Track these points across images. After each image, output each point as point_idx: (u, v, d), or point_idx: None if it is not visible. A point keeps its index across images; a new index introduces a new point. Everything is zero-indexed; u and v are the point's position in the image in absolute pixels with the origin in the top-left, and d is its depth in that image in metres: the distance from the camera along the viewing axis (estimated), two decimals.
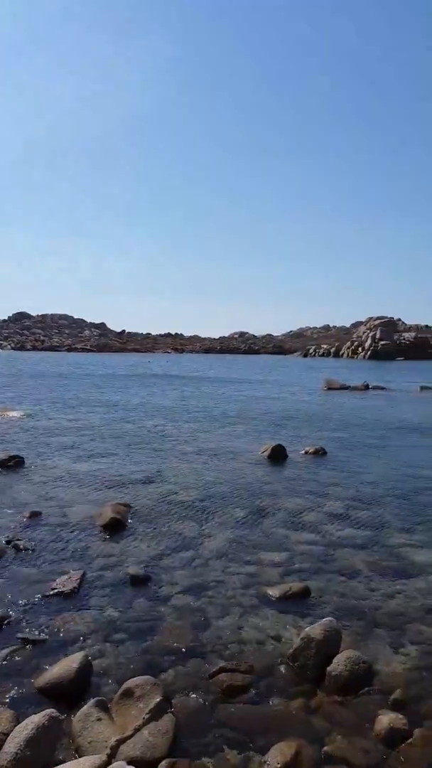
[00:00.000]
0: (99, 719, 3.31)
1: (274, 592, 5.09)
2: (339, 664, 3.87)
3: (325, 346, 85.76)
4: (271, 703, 3.64)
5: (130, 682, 3.55)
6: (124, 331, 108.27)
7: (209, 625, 4.51)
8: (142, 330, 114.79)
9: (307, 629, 4.14)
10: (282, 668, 3.99)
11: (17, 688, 3.68)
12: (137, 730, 3.24)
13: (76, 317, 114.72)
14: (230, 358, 73.03)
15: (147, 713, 3.32)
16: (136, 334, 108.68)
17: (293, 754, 3.09)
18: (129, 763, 2.94)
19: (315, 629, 4.09)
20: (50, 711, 3.22)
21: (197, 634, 4.37)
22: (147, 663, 3.98)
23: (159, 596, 4.99)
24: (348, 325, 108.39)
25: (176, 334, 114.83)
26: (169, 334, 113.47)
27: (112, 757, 3.05)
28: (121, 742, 3.16)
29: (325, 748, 3.21)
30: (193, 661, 4.03)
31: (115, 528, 6.64)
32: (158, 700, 3.42)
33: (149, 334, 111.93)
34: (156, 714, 3.34)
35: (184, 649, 4.16)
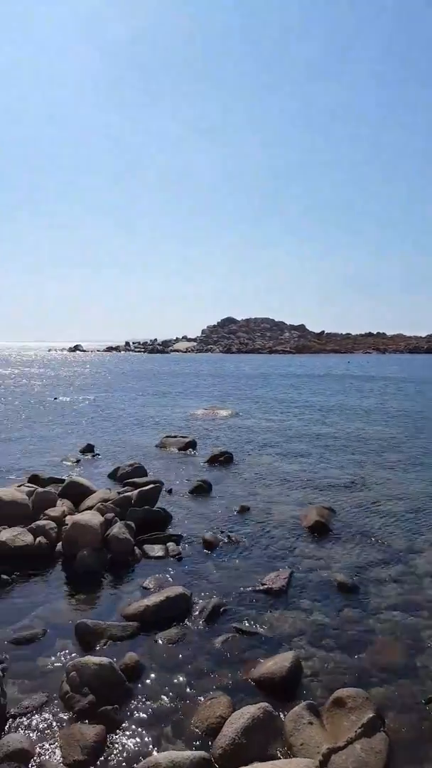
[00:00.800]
0: (310, 723, 3.33)
1: None
2: None
3: None
4: None
5: (342, 692, 3.51)
6: (323, 332, 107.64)
7: (423, 648, 4.25)
8: (342, 330, 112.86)
9: None
10: None
11: (232, 676, 3.89)
12: (349, 742, 3.19)
13: (276, 320, 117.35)
14: None
15: (359, 727, 3.25)
16: (335, 335, 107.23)
17: None
18: None
19: None
20: (264, 704, 3.33)
21: (410, 655, 4.15)
22: (356, 675, 3.90)
23: (368, 608, 4.85)
24: None
25: (378, 333, 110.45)
26: (370, 334, 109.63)
27: (324, 764, 3.04)
28: (333, 751, 3.13)
29: None
30: (406, 683, 3.83)
31: (320, 531, 6.65)
32: (371, 715, 3.32)
33: (349, 334, 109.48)
34: (368, 730, 3.25)
35: (396, 668, 3.99)
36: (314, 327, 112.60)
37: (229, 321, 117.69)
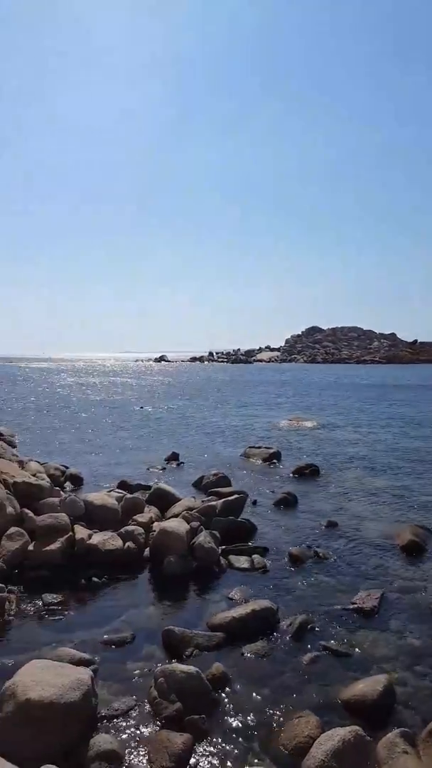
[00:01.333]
0: (405, 752, 3.16)
1: None
2: None
3: None
4: None
5: None
6: (416, 341, 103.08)
7: None
8: None
9: None
10: None
11: (320, 695, 3.77)
12: None
13: (365, 328, 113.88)
14: None
15: None
16: (430, 344, 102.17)
17: None
18: None
19: None
20: (356, 728, 3.20)
21: None
22: None
23: None
24: None
25: None
26: None
27: None
28: None
29: None
30: None
31: (414, 551, 6.34)
32: None
33: None
34: None
35: None
36: (406, 336, 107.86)
37: (314, 330, 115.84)
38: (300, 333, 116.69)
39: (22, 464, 8.29)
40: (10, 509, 6.05)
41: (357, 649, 4.32)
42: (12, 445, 11.58)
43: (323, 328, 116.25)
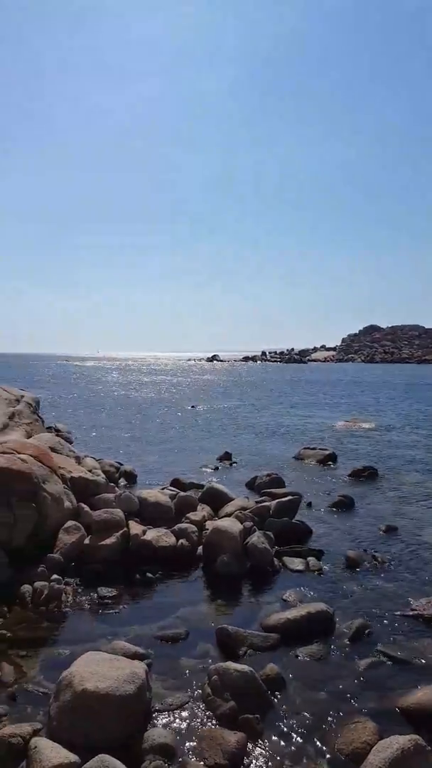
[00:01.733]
0: None
1: None
2: None
3: None
4: None
5: None
6: None
7: None
8: None
9: None
10: None
11: (377, 702, 3.66)
12: None
13: (427, 327, 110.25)
14: None
15: None
16: None
17: None
18: None
19: None
20: (416, 737, 3.08)
21: None
22: None
23: None
24: None
25: None
26: None
27: None
28: None
29: None
30: None
31: None
32: None
33: None
34: None
35: None
36: None
37: (372, 329, 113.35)
38: (357, 332, 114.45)
39: (78, 460, 8.47)
40: (67, 503, 6.20)
41: (416, 657, 4.17)
42: (69, 441, 11.88)
43: (382, 326, 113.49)
